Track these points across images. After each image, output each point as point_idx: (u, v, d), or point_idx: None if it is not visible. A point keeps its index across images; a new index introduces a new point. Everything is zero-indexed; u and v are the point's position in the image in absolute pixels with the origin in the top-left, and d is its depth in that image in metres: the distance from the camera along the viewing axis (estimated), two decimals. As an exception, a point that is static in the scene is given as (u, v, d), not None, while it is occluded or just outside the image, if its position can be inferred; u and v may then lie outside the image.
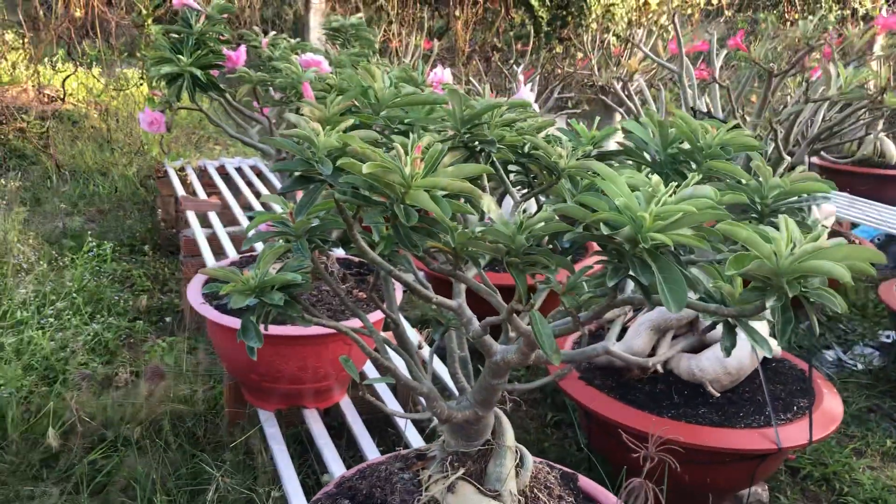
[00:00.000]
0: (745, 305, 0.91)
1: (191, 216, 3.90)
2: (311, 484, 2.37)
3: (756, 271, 0.84)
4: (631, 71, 2.54)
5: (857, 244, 4.26)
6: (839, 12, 6.38)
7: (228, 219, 3.99)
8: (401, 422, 2.27)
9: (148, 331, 3.57)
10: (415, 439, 2.18)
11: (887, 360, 3.92)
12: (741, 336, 2.46)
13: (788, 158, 2.19)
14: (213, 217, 3.90)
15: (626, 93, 2.44)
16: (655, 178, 0.98)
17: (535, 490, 1.34)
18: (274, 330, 2.18)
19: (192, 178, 4.59)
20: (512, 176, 1.33)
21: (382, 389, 2.54)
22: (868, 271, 0.86)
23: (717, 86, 2.34)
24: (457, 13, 5.76)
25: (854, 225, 5.22)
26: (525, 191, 1.29)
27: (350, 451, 2.50)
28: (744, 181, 1.18)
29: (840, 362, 3.97)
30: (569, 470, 1.55)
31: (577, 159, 1.17)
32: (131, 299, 3.88)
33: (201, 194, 4.30)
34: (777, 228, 0.92)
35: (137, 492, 2.30)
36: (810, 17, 2.08)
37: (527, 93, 1.46)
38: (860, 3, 6.87)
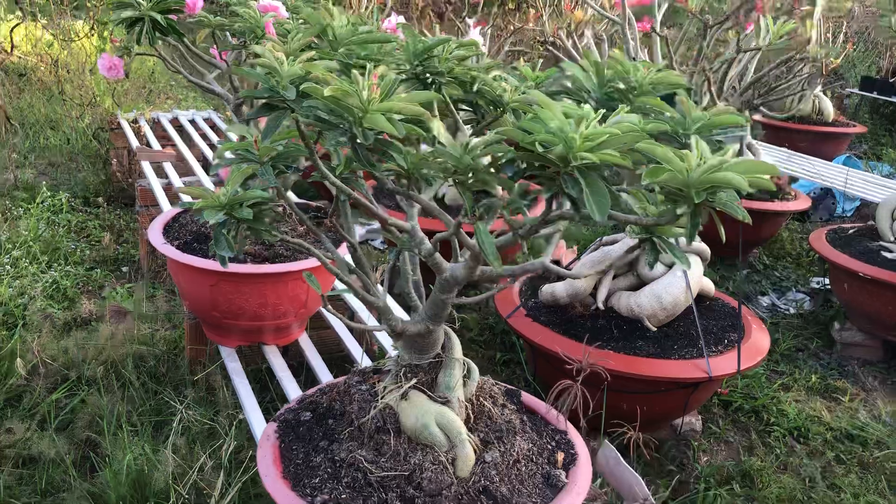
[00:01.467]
0: (660, 216, 1.04)
1: (146, 167, 3.93)
2: (272, 414, 2.48)
3: (669, 182, 0.97)
4: (576, 22, 2.65)
5: (791, 195, 4.48)
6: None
7: (183, 170, 4.03)
8: (356, 354, 2.40)
9: (105, 279, 3.62)
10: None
11: (815, 305, 4.16)
12: (676, 273, 2.62)
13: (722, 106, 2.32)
14: (169, 168, 3.94)
15: (573, 44, 2.56)
16: (587, 107, 1.10)
17: (481, 398, 1.47)
18: (235, 268, 2.27)
19: (146, 129, 4.60)
20: (462, 115, 1.44)
21: (340, 329, 2.66)
22: (766, 185, 0.99)
23: (657, 38, 2.47)
24: (412, -30, 5.81)
25: (793, 179, 5.46)
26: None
27: (310, 386, 2.61)
28: (668, 114, 1.31)
29: (774, 307, 4.21)
30: (512, 387, 1.69)
31: (520, 94, 1.28)
32: (87, 248, 3.92)
33: (156, 146, 4.32)
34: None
35: (103, 426, 2.38)
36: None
37: (476, 35, 1.56)
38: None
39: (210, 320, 2.46)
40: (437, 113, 1.21)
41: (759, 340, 2.69)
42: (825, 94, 6.50)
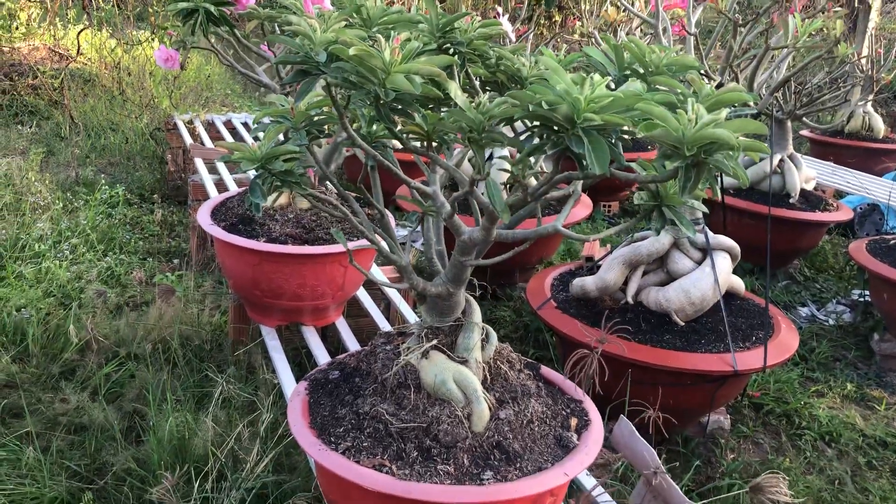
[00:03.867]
0: (660, 174, 1.12)
1: (199, 163, 4.10)
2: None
3: (663, 138, 1.04)
4: (609, 20, 2.73)
5: (833, 206, 4.46)
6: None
7: (235, 168, 4.20)
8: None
9: (157, 268, 3.79)
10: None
11: (855, 316, 4.13)
12: (705, 269, 2.66)
13: (753, 105, 2.38)
14: (221, 165, 4.11)
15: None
16: (596, 75, 1.19)
17: (499, 362, 1.55)
18: (276, 248, 2.39)
19: (200, 130, 4.79)
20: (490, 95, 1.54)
21: (378, 317, 2.76)
22: (759, 146, 1.06)
23: (691, 38, 2.53)
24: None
25: (840, 195, 5.42)
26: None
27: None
28: (679, 91, 1.38)
29: (813, 318, 4.19)
30: (532, 361, 1.76)
31: (539, 70, 1.37)
32: (141, 240, 4.10)
33: (209, 144, 4.51)
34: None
35: (149, 398, 2.52)
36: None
37: (505, 22, 1.66)
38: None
39: (252, 299, 2.58)
40: (458, 81, 1.30)
41: (787, 339, 2.71)
42: (876, 110, 6.43)
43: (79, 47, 6.44)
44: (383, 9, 1.42)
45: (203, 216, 2.61)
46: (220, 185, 3.84)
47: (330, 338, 2.84)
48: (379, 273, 2.80)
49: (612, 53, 1.51)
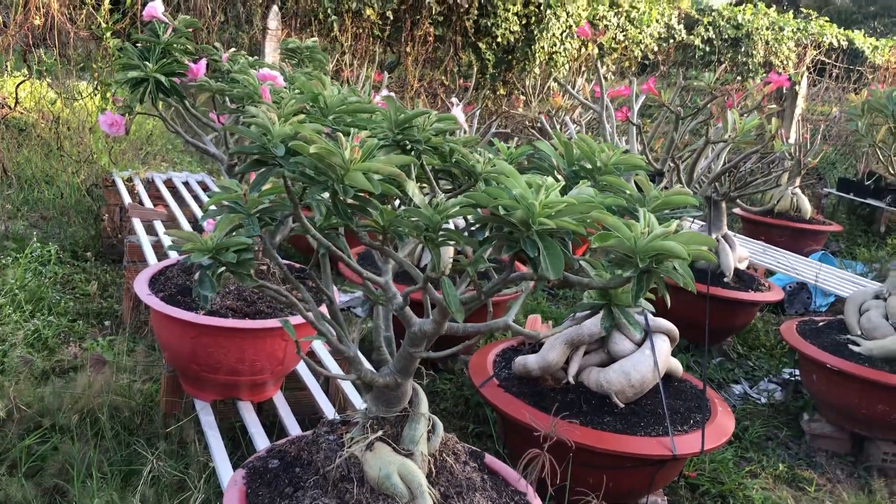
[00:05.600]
0: (610, 280, 1.13)
1: (137, 223, 4.01)
2: (241, 472, 2.50)
3: (617, 248, 1.06)
4: (555, 106, 2.81)
5: (765, 286, 4.60)
6: (764, 74, 6.87)
7: (173, 229, 4.12)
8: (330, 415, 2.44)
9: (87, 331, 3.66)
10: (342, 431, 2.35)
11: (786, 395, 4.22)
12: (644, 352, 2.70)
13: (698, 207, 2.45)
14: (159, 226, 4.03)
15: (554, 128, 2.70)
16: (549, 179, 1.21)
17: (444, 454, 1.53)
18: (216, 321, 2.34)
19: (140, 188, 4.70)
20: (443, 184, 1.55)
21: (315, 389, 2.70)
22: (706, 256, 1.09)
23: (633, 127, 2.61)
24: (408, 49, 6.03)
25: (770, 273, 5.60)
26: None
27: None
28: (627, 192, 1.41)
29: (746, 395, 4.27)
30: (476, 448, 1.74)
31: (492, 166, 1.39)
32: (72, 301, 3.97)
33: (148, 205, 4.42)
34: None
35: (73, 474, 2.40)
36: (710, 73, 2.36)
37: (457, 112, 1.68)
38: (784, 69, 7.39)
39: (188, 373, 2.51)
40: (414, 178, 1.31)
41: (723, 422, 2.75)
42: (803, 192, 6.71)
43: (17, 99, 6.30)
44: (342, 98, 1.43)
45: (140, 285, 2.54)
46: (158, 247, 3.75)
47: (265, 411, 2.77)
48: (331, 361, 2.75)
49: (563, 149, 1.55)
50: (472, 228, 1.19)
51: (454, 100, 2.65)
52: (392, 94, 1.85)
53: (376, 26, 5.83)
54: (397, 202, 1.28)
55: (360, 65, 4.72)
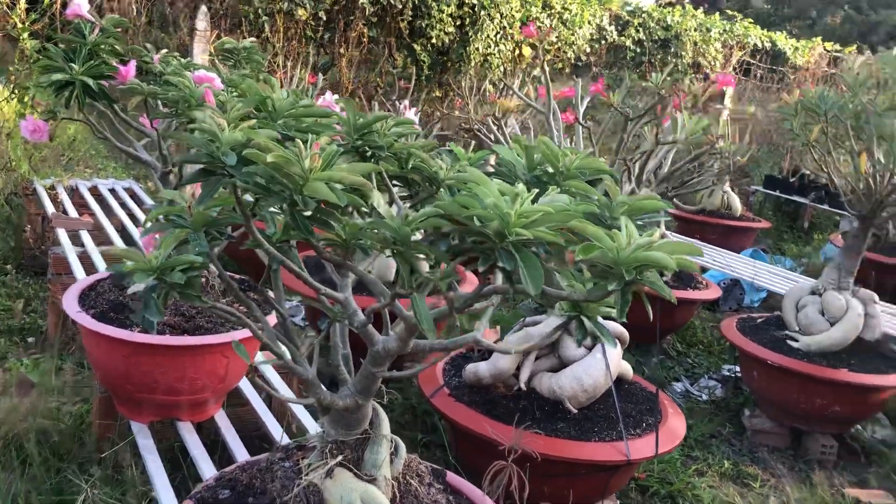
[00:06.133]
0: (590, 293, 1.07)
1: (61, 234, 3.81)
2: (185, 495, 2.37)
3: (600, 260, 1.00)
4: (503, 109, 2.76)
5: (703, 284, 4.65)
6: (693, 75, 7.00)
7: (100, 239, 3.92)
8: (276, 433, 2.33)
9: (10, 350, 3.44)
10: (290, 449, 2.24)
11: (726, 392, 4.28)
12: (596, 356, 2.66)
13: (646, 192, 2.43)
14: (85, 236, 3.83)
15: (501, 131, 2.65)
16: (521, 186, 1.14)
17: (408, 477, 1.45)
18: (153, 339, 2.20)
19: (63, 196, 4.48)
20: (398, 190, 1.47)
21: (259, 405, 2.59)
22: (690, 266, 1.04)
23: (580, 127, 2.58)
24: (342, 51, 5.92)
25: (704, 269, 5.68)
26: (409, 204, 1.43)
27: (225, 465, 2.51)
28: (594, 197, 1.36)
29: (687, 393, 4.30)
30: (438, 467, 1.67)
31: (455, 173, 1.32)
32: (-9, 317, 3.74)
33: (73, 214, 4.20)
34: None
35: (-3, 506, 2.23)
36: (658, 73, 2.36)
37: (411, 115, 1.61)
38: (712, 70, 7.54)
39: (123, 394, 2.36)
40: (374, 186, 1.23)
41: (675, 425, 2.75)
42: (733, 190, 6.85)
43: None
44: (291, 102, 1.34)
45: (70, 302, 2.38)
46: (84, 258, 3.56)
47: (206, 429, 2.64)
48: (285, 389, 2.63)
49: (524, 154, 1.49)
50: (432, 239, 1.12)
51: (405, 102, 2.58)
52: (335, 95, 1.76)
53: (309, 27, 5.70)
54: (354, 213, 1.20)
55: (293, 66, 4.61)
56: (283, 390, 2.62)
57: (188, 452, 2.31)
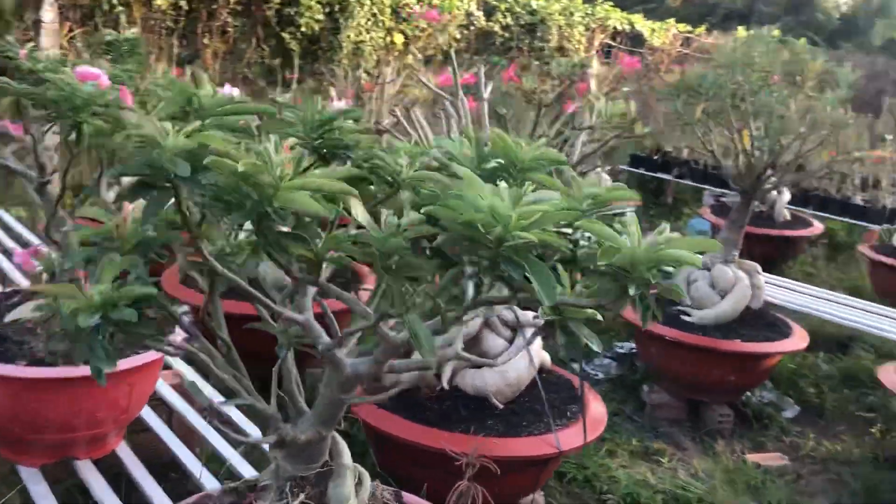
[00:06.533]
0: (601, 297, 0.98)
1: None
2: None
3: (618, 262, 0.91)
4: (413, 99, 2.64)
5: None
6: (559, 59, 7.13)
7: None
8: (188, 462, 2.13)
9: None
10: (209, 480, 2.05)
11: (623, 369, 4.35)
12: (518, 346, 2.59)
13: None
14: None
15: (410, 122, 2.53)
16: (503, 185, 1.04)
17: (374, 507, 1.32)
18: (41, 373, 1.94)
19: None
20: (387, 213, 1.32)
21: (162, 430, 2.36)
22: (696, 261, 0.96)
23: (484, 104, 2.49)
24: (205, 41, 5.58)
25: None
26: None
27: (131, 500, 2.26)
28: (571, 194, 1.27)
29: (585, 373, 4.35)
30: (394, 488, 1.55)
31: (415, 171, 1.19)
32: None
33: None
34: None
35: None
36: (563, 60, 2.33)
37: (343, 106, 1.46)
38: (576, 53, 7.69)
39: (9, 436, 2.07)
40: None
41: (598, 410, 2.73)
42: (603, 171, 7.02)
43: None
44: (220, 100, 1.16)
45: (-66, 337, 2.07)
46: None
47: (105, 461, 2.38)
48: (179, 400, 2.40)
49: (471, 147, 1.38)
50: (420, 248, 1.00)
51: (333, 92, 2.40)
52: (237, 90, 1.59)
53: (169, 17, 5.32)
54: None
55: (156, 60, 4.28)
56: (188, 415, 2.40)
57: (90, 493, 2.06)
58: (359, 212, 0.93)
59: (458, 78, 2.40)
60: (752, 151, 3.54)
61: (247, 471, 2.12)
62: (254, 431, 2.25)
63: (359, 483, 1.31)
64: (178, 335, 1.16)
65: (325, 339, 1.12)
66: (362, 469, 1.33)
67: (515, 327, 2.65)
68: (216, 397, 2.35)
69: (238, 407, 2.11)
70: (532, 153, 1.37)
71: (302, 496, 1.24)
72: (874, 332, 4.40)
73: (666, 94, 3.85)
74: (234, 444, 2.36)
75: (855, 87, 3.63)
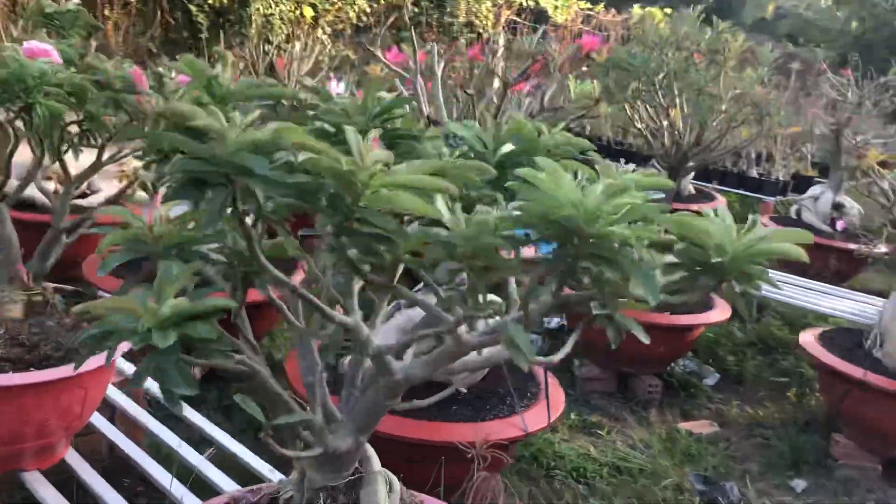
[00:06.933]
0: (698, 292, 0.94)
1: None
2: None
3: (696, 255, 0.88)
4: (372, 74, 2.54)
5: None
6: (469, 35, 7.09)
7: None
8: (137, 458, 1.99)
9: None
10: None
11: (547, 344, 4.41)
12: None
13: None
14: None
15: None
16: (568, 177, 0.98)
17: (405, 513, 1.26)
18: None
19: None
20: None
21: (107, 428, 2.21)
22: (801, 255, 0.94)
23: (440, 95, 2.43)
24: (106, 13, 5.20)
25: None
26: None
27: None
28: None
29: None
30: (417, 492, 1.49)
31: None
32: None
33: None
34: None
35: None
36: (530, 37, 2.30)
37: (340, 88, 1.37)
38: (484, 29, 7.68)
39: (-54, 452, 1.88)
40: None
41: (555, 388, 2.74)
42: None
43: None
44: (248, 83, 1.06)
45: None
46: None
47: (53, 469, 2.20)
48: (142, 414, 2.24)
49: (489, 133, 1.32)
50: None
51: (332, 73, 2.26)
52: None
53: (64, -15, 4.91)
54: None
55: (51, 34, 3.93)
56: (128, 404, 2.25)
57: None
58: (443, 208, 0.86)
59: (416, 56, 2.32)
60: (681, 129, 3.62)
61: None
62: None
63: (389, 489, 1.24)
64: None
65: (375, 343, 1.05)
66: (391, 474, 1.26)
67: (474, 310, 2.61)
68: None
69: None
70: (557, 139, 1.32)
71: (337, 508, 1.16)
72: (781, 299, 4.62)
73: (597, 74, 3.88)
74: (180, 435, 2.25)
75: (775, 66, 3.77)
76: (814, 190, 5.65)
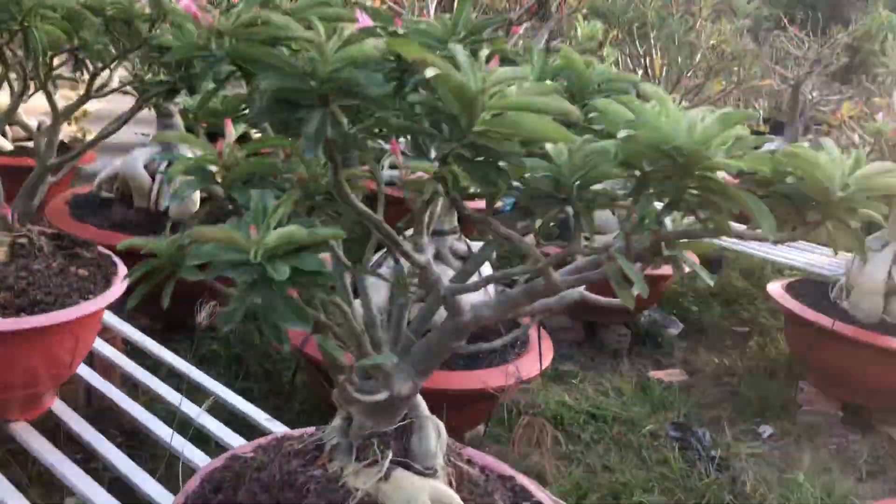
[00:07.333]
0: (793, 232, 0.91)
1: None
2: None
3: (806, 187, 0.85)
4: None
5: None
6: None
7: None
8: (124, 405, 1.91)
9: None
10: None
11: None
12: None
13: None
14: None
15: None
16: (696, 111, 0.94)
17: (452, 459, 1.22)
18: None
19: None
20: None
21: (89, 375, 2.11)
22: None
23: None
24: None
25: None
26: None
27: (86, 459, 1.99)
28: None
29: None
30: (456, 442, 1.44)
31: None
32: None
33: None
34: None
35: None
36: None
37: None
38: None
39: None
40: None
41: (544, 337, 2.74)
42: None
43: None
44: (311, 1, 0.97)
45: None
46: None
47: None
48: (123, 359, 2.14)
49: (538, 64, 1.26)
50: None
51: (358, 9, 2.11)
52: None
53: None
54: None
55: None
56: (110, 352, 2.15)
57: (35, 459, 1.80)
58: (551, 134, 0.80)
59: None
60: (661, 77, 3.60)
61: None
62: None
63: (438, 436, 1.20)
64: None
65: (445, 282, 0.99)
66: (438, 421, 1.22)
67: (466, 257, 2.57)
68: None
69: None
70: (606, 74, 1.27)
71: (390, 455, 1.11)
72: (742, 250, 4.71)
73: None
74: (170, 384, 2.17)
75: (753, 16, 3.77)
76: (769, 146, 5.73)
